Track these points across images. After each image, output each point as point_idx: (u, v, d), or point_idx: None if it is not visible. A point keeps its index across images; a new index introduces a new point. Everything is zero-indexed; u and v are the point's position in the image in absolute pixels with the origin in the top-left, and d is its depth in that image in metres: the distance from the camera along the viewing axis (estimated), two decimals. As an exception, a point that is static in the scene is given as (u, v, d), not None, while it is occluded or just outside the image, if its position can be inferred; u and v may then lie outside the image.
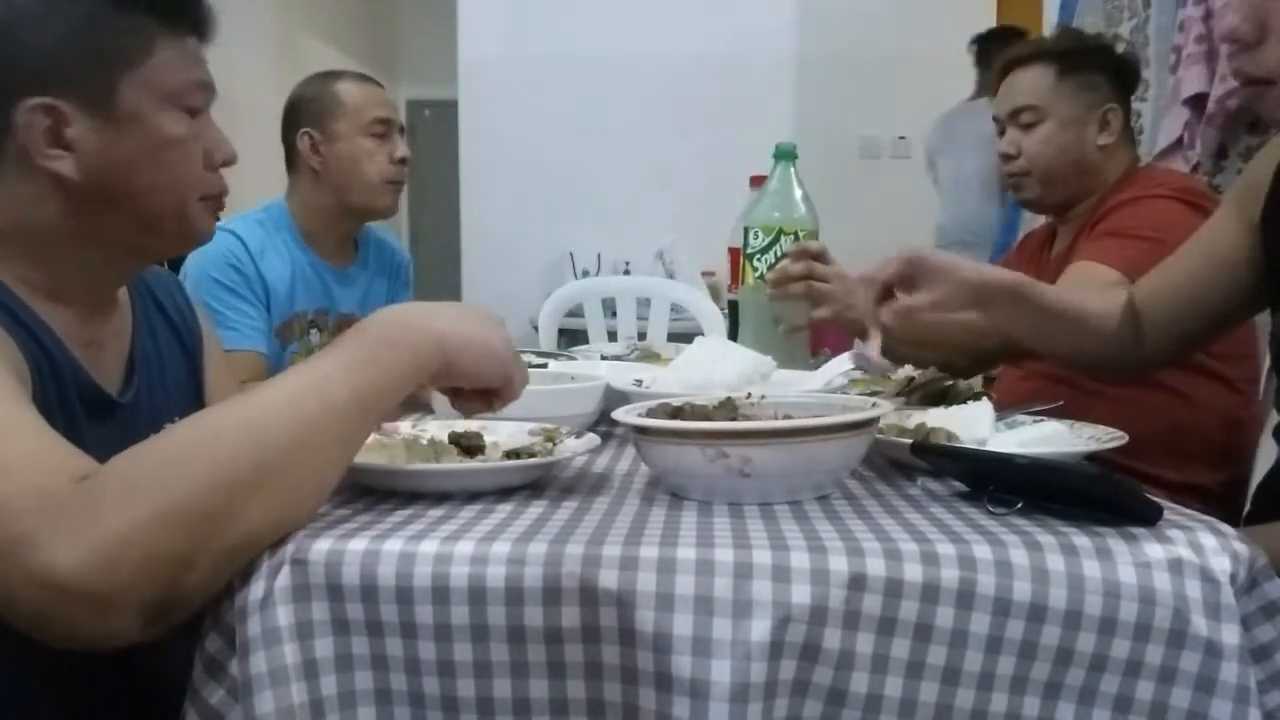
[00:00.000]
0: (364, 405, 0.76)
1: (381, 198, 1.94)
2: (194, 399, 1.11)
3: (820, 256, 1.43)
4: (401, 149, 1.94)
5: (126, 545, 0.65)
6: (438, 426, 0.99)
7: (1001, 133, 1.76)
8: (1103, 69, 1.69)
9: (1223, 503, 1.58)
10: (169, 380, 1.07)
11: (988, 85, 2.13)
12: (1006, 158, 1.74)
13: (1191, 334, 1.30)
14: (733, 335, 1.72)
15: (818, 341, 1.80)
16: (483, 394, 0.87)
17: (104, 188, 0.91)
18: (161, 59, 0.92)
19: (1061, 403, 0.97)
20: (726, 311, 1.95)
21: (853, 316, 1.37)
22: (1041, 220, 3.01)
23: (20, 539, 0.65)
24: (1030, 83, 1.69)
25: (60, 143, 0.89)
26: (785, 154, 1.58)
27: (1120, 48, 1.83)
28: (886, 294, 1.13)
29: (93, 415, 0.93)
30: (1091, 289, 1.48)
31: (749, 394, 0.99)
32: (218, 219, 1.02)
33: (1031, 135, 1.69)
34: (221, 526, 0.68)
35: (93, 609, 0.65)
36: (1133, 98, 1.78)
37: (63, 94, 0.88)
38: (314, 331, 1.89)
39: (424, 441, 0.95)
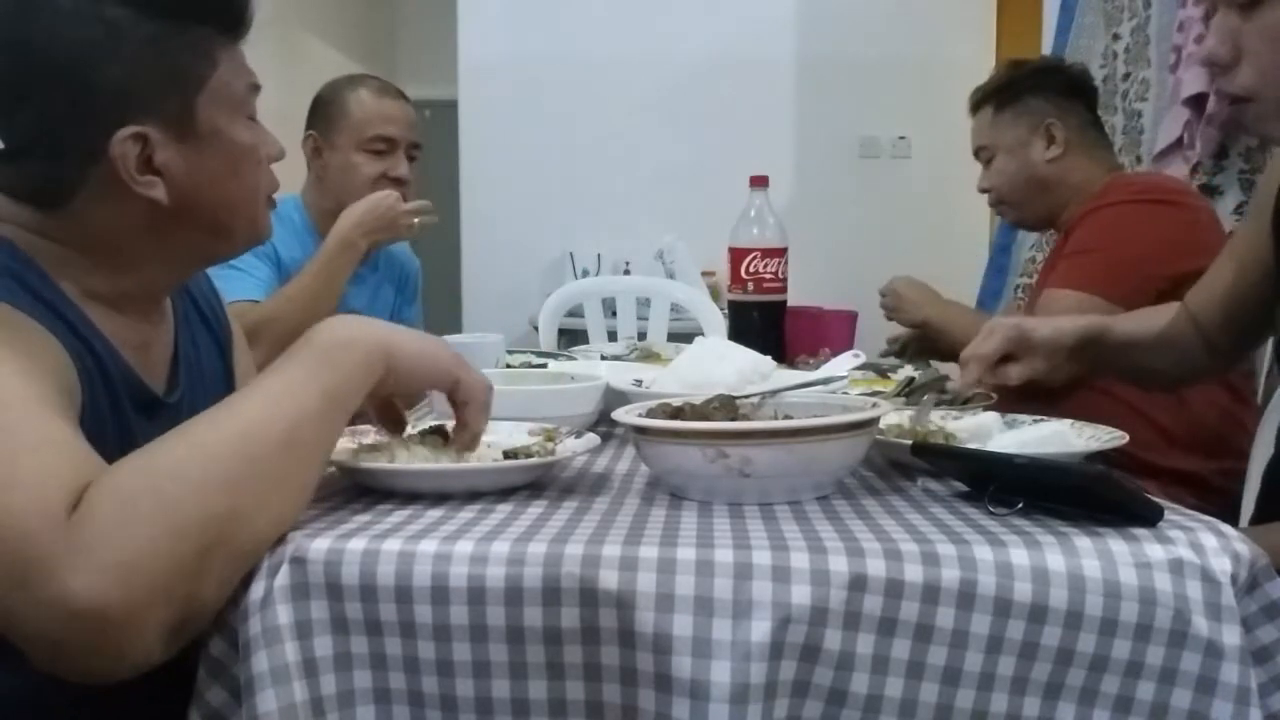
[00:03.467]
0: (334, 404, 0.78)
1: None
2: (228, 392, 1.12)
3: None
4: (399, 168, 1.92)
5: (138, 564, 0.65)
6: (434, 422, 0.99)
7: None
8: (1035, 90, 1.84)
9: (1220, 493, 1.59)
10: (207, 376, 1.09)
11: None
12: (983, 192, 1.94)
13: (1243, 336, 1.35)
14: (733, 335, 1.72)
15: (820, 340, 1.81)
16: (459, 425, 0.89)
17: (192, 205, 0.93)
18: (224, 70, 0.94)
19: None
20: (726, 311, 1.95)
21: None
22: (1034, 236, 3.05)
23: (31, 564, 0.64)
24: (978, 125, 1.92)
25: (150, 168, 0.90)
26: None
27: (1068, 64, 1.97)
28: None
29: (143, 416, 0.94)
30: (1057, 314, 1.52)
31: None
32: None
33: (990, 169, 1.90)
34: (224, 531, 0.69)
35: (111, 633, 0.64)
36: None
37: (147, 120, 0.89)
38: None
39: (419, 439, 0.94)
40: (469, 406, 0.88)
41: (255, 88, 0.98)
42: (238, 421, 0.74)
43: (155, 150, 0.90)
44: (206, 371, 1.10)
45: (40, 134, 0.89)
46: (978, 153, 1.92)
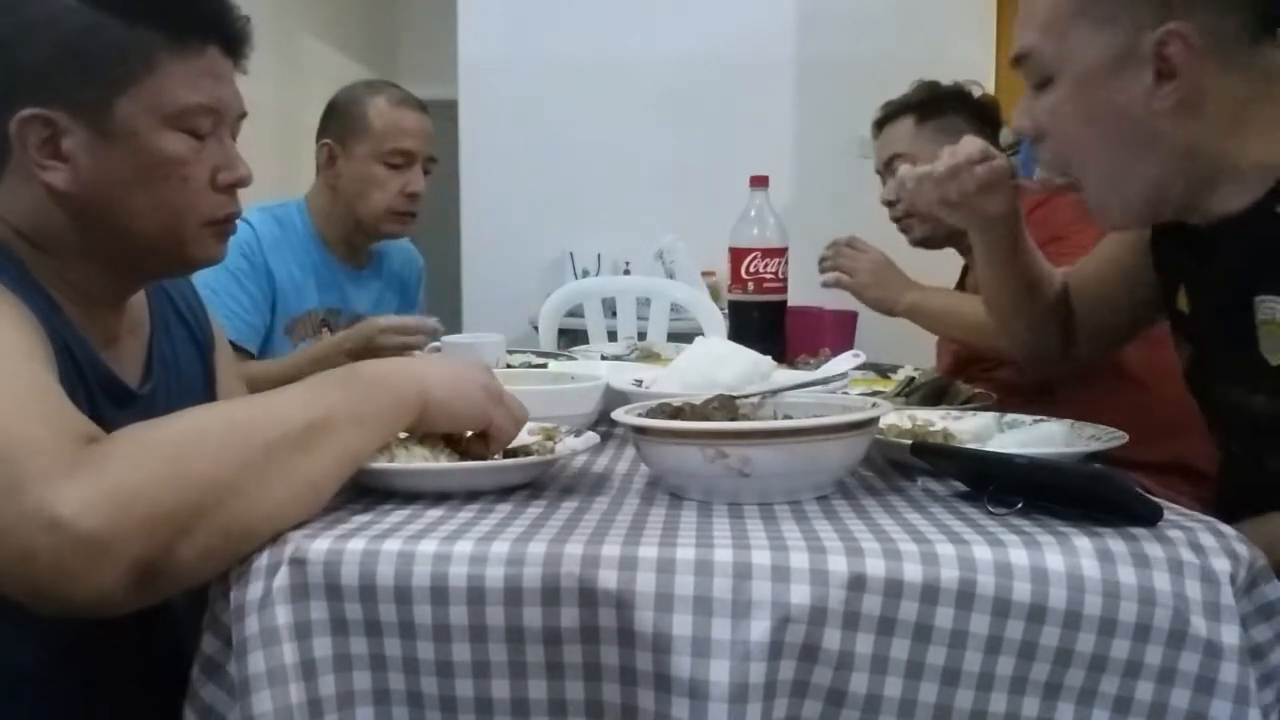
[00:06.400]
0: (361, 428, 0.79)
1: (386, 225, 1.92)
2: (207, 396, 1.14)
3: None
4: (415, 184, 1.89)
5: (134, 496, 0.67)
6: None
7: (884, 184, 1.93)
8: (958, 110, 1.88)
9: (1211, 479, 1.59)
10: (184, 374, 1.09)
11: None
12: (888, 204, 1.92)
13: (1109, 328, 1.33)
14: (733, 335, 1.72)
15: (820, 340, 1.82)
16: (479, 438, 0.89)
17: (96, 203, 0.91)
18: (165, 77, 0.91)
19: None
20: (726, 311, 1.95)
21: None
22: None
23: (28, 477, 0.66)
24: (894, 134, 1.93)
25: (57, 154, 0.89)
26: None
27: (977, 92, 1.98)
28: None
29: (114, 404, 0.94)
30: None
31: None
32: (225, 242, 1.01)
33: None
34: (224, 501, 0.70)
35: (88, 556, 0.65)
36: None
37: (59, 106, 0.88)
38: (325, 331, 1.88)
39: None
40: (494, 442, 0.89)
41: (210, 109, 0.94)
42: (265, 409, 0.76)
43: (63, 137, 0.89)
44: (184, 370, 1.09)
45: None
46: (890, 162, 1.91)
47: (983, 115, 1.90)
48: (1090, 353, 1.39)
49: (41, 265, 0.92)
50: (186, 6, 0.92)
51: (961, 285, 1.97)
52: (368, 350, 1.64)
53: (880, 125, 1.97)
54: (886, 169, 1.94)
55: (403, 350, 1.65)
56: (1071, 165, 1.07)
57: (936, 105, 1.89)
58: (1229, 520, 0.77)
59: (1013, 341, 1.42)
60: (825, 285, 1.85)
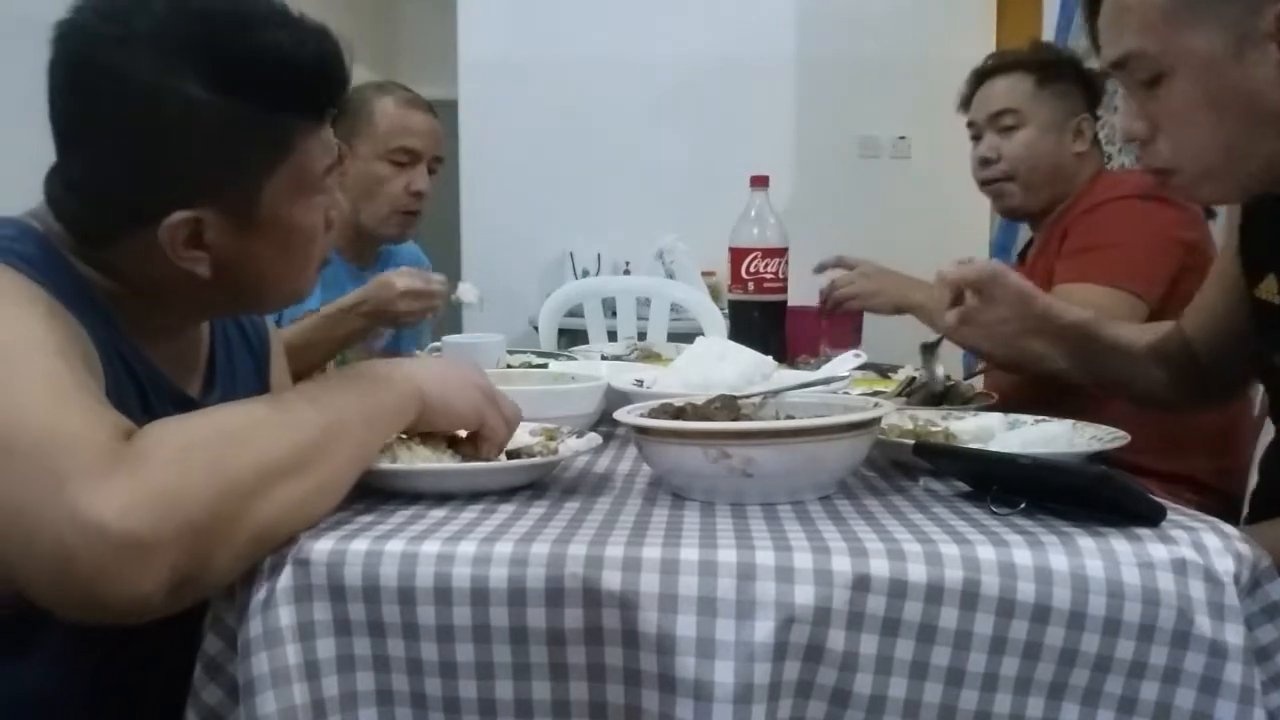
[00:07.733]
0: (369, 428, 0.82)
1: (389, 226, 1.93)
2: None
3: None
4: (419, 182, 1.90)
5: (177, 500, 0.66)
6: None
7: (976, 138, 1.82)
8: (1075, 81, 1.76)
9: (1219, 493, 1.58)
10: (240, 383, 1.10)
11: None
12: (986, 162, 1.80)
13: (1240, 359, 1.27)
14: (733, 335, 1.72)
15: (820, 339, 1.81)
16: (471, 439, 0.90)
17: (233, 279, 0.91)
18: (303, 154, 0.90)
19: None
20: (727, 311, 1.95)
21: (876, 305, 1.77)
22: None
23: (66, 476, 0.64)
24: (1009, 88, 1.76)
25: (199, 244, 0.88)
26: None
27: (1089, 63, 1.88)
28: (958, 297, 1.18)
29: (179, 410, 0.94)
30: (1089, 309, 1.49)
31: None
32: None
33: (1012, 140, 1.76)
34: (256, 506, 0.70)
35: (129, 558, 0.64)
36: (1100, 110, 1.83)
37: (204, 205, 0.86)
38: None
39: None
40: (485, 443, 0.90)
41: (331, 167, 0.93)
42: (287, 414, 0.78)
43: (206, 230, 0.87)
44: (240, 381, 1.11)
45: (91, 186, 0.88)
46: (998, 116, 1.76)
47: (1091, 90, 1.78)
48: (1231, 388, 1.36)
49: (124, 300, 0.91)
50: (325, 85, 0.91)
51: (1022, 259, 1.90)
52: (384, 313, 1.63)
53: (988, 75, 1.80)
54: (990, 123, 1.78)
55: (421, 315, 1.66)
56: (1184, 157, 1.05)
57: (1056, 70, 1.76)
58: (1266, 516, 0.77)
59: (1134, 396, 1.38)
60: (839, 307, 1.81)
